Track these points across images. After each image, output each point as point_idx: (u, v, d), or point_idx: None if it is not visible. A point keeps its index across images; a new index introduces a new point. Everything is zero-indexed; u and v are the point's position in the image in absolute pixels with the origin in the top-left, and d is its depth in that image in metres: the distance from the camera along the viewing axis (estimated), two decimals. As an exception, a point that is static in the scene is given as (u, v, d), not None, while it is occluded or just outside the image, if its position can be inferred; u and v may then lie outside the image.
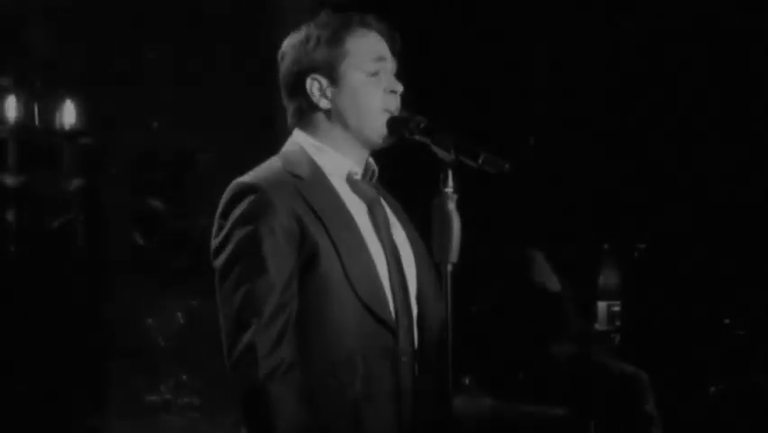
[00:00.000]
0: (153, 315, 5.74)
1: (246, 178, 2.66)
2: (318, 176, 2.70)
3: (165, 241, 5.72)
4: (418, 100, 2.82)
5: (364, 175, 2.77)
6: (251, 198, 2.60)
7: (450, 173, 2.60)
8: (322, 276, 2.61)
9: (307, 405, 2.57)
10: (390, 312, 2.66)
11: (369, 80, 2.72)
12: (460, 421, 4.24)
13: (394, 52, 2.79)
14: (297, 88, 2.75)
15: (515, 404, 4.33)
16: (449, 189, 2.60)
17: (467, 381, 4.55)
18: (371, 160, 2.79)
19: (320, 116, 2.74)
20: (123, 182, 5.78)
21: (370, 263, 2.66)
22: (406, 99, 2.77)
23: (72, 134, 5.65)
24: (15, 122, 5.55)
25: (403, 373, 2.66)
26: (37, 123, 5.65)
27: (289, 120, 2.79)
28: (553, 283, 4.35)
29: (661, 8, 5.39)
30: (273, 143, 2.81)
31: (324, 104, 2.73)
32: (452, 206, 2.60)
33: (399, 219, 2.80)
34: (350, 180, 2.74)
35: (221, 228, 2.64)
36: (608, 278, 4.83)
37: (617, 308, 4.79)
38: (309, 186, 2.66)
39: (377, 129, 2.72)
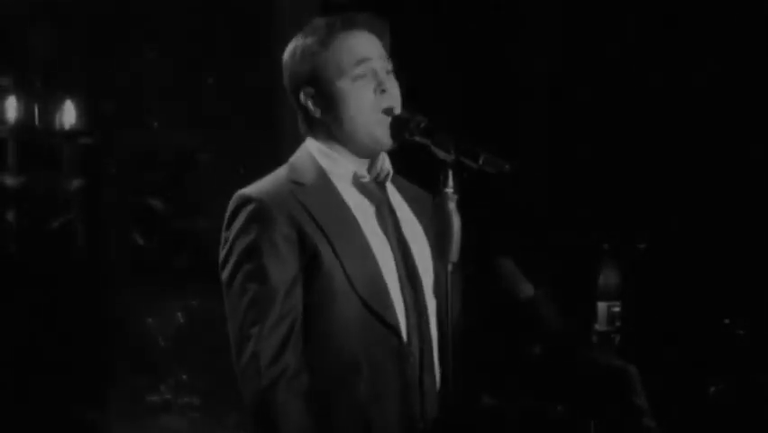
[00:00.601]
0: (153, 315, 5.73)
1: (246, 189, 2.71)
2: (321, 180, 2.72)
3: (165, 241, 5.72)
4: (417, 100, 2.82)
5: (376, 177, 2.77)
6: (250, 208, 2.65)
7: (450, 174, 2.61)
8: (324, 279, 2.63)
9: (314, 410, 2.58)
10: (395, 314, 2.67)
11: (355, 85, 2.73)
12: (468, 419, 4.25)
13: (385, 47, 2.78)
14: (296, 101, 2.79)
15: (514, 404, 4.33)
16: (449, 190, 2.61)
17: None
18: (387, 161, 2.79)
19: (319, 125, 2.77)
20: (123, 182, 5.78)
21: (373, 265, 2.67)
22: (405, 99, 2.77)
23: (72, 134, 5.66)
24: (15, 122, 5.55)
25: (410, 373, 2.66)
26: (37, 123, 5.65)
27: (300, 129, 2.83)
28: (524, 288, 4.37)
29: (662, 6, 5.39)
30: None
31: (318, 114, 2.75)
32: (452, 206, 2.61)
33: (419, 214, 2.80)
34: (356, 183, 2.74)
35: (225, 241, 2.68)
36: (608, 278, 4.82)
37: (617, 308, 4.78)
38: (309, 192, 2.69)
39: (374, 132, 2.72)
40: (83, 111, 5.68)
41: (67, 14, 5.68)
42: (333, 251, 2.63)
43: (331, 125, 2.74)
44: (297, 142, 2.83)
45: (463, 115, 5.28)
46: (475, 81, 5.50)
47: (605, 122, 5.48)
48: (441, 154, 2.61)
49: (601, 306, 4.74)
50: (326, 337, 2.62)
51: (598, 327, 4.73)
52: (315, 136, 2.78)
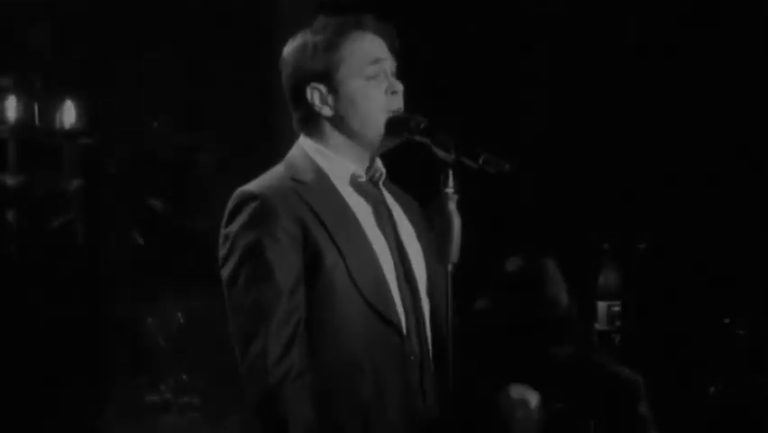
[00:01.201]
0: (153, 315, 5.73)
1: (248, 186, 2.68)
2: (322, 180, 2.71)
3: (165, 241, 5.72)
4: (419, 100, 2.82)
5: (371, 177, 2.77)
6: (253, 205, 2.63)
7: (450, 174, 2.61)
8: (327, 278, 2.62)
9: (318, 407, 2.58)
10: (397, 312, 2.67)
11: (367, 84, 2.73)
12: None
13: (392, 51, 2.79)
14: (299, 97, 2.75)
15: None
16: (450, 190, 2.61)
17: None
18: (379, 161, 2.79)
19: (323, 123, 2.75)
20: (123, 182, 5.78)
21: (375, 264, 2.67)
22: (406, 99, 2.77)
23: (72, 134, 5.66)
24: (15, 122, 5.55)
25: (411, 372, 2.66)
26: (37, 123, 5.65)
27: (294, 126, 2.80)
28: (563, 295, 4.37)
29: (663, 6, 5.40)
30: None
31: (325, 111, 2.74)
32: (452, 206, 2.61)
33: (410, 217, 2.80)
34: (354, 183, 2.74)
35: (226, 238, 2.66)
36: (608, 278, 4.82)
37: (617, 308, 4.79)
38: (312, 190, 2.68)
39: (378, 132, 2.72)
40: (83, 111, 5.68)
41: (67, 14, 5.68)
42: (338, 249, 2.63)
43: (338, 123, 2.73)
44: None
45: (463, 115, 5.28)
46: (476, 81, 5.50)
47: (605, 122, 5.48)
48: (441, 154, 2.61)
49: (601, 306, 4.75)
50: (328, 336, 2.62)
51: (598, 326, 4.74)
52: (312, 134, 2.76)
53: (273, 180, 2.69)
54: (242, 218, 2.63)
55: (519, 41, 5.55)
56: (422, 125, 2.68)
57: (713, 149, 5.35)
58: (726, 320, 4.98)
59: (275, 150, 2.80)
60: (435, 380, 2.70)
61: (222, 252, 2.67)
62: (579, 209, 5.43)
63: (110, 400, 5.64)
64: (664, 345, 5.09)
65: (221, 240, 2.68)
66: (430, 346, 2.73)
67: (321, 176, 2.71)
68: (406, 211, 2.82)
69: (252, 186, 2.68)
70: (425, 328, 2.72)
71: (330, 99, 2.73)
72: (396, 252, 2.71)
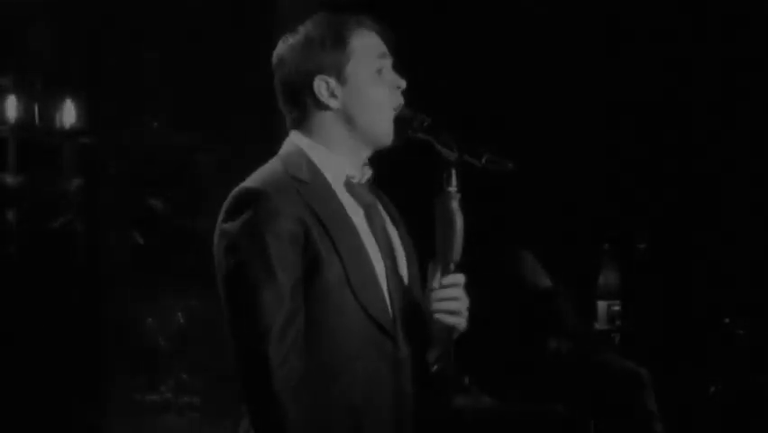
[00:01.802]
0: (153, 315, 5.73)
1: (250, 183, 2.63)
2: (320, 180, 2.68)
3: (165, 241, 5.72)
4: (419, 99, 2.81)
5: (362, 178, 2.76)
6: (257, 204, 2.58)
7: (453, 172, 2.60)
8: (323, 282, 2.59)
9: (311, 408, 2.57)
10: (389, 317, 2.65)
11: (375, 78, 2.71)
12: (462, 420, 4.25)
13: (390, 51, 2.79)
14: (303, 91, 2.71)
15: (514, 403, 4.33)
16: (452, 188, 2.61)
17: (467, 380, 4.55)
18: (367, 162, 2.78)
19: (325, 117, 2.72)
20: (123, 182, 5.77)
21: (371, 269, 2.65)
22: (407, 98, 2.77)
23: (72, 134, 5.65)
24: (15, 122, 5.55)
25: (403, 377, 2.65)
26: (37, 123, 5.65)
27: (289, 124, 2.76)
28: (544, 281, 4.37)
29: (664, 5, 5.40)
30: (273, 144, 2.80)
31: (333, 104, 2.71)
32: (455, 205, 2.61)
33: (393, 220, 2.80)
34: (348, 184, 2.73)
35: (224, 235, 2.61)
36: (608, 278, 4.82)
37: (617, 308, 4.79)
38: (311, 190, 2.64)
39: (386, 127, 2.71)
40: (83, 111, 5.68)
41: (66, 14, 5.68)
42: (337, 253, 2.60)
43: (344, 116, 2.71)
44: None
45: (464, 115, 5.28)
46: (477, 80, 5.50)
47: (605, 122, 5.48)
48: (444, 153, 2.61)
49: (601, 305, 4.75)
50: (322, 337, 2.60)
51: (598, 325, 4.74)
52: (309, 131, 2.73)
53: (274, 178, 2.64)
54: (244, 217, 2.58)
55: (519, 41, 5.55)
56: (425, 124, 2.67)
57: (713, 149, 5.36)
58: (726, 320, 4.97)
59: (275, 150, 2.78)
60: (427, 382, 2.70)
61: (219, 249, 2.61)
62: (579, 209, 5.43)
63: (110, 400, 5.63)
64: (664, 345, 5.09)
65: (217, 236, 2.62)
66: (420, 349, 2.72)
67: (318, 175, 2.69)
68: (390, 215, 2.81)
69: (254, 183, 2.63)
70: (415, 331, 2.70)
71: (338, 92, 2.71)
72: (387, 255, 2.70)
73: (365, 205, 2.72)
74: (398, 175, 2.90)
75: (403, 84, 2.74)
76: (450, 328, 2.64)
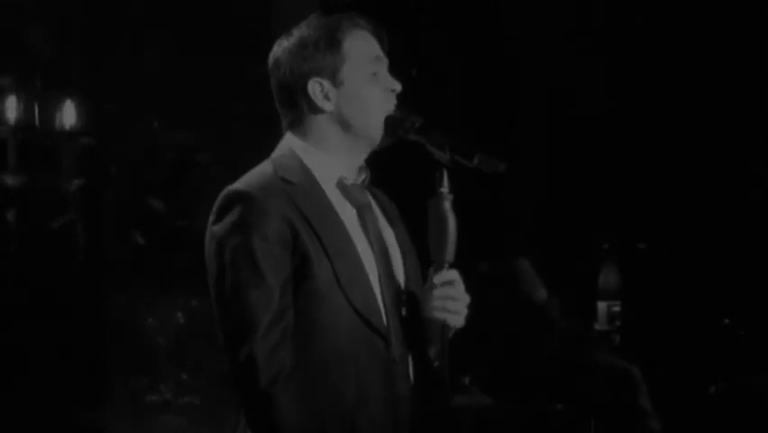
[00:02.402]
0: (153, 315, 5.74)
1: (237, 185, 2.63)
2: (309, 181, 2.68)
3: (165, 241, 5.72)
4: (414, 100, 2.81)
5: (356, 179, 2.76)
6: (244, 205, 2.58)
7: (445, 173, 2.60)
8: (313, 282, 2.59)
9: (303, 410, 2.57)
10: (381, 317, 2.65)
11: (369, 80, 2.71)
12: (460, 420, 4.25)
13: (384, 52, 2.78)
14: (297, 93, 2.71)
15: (514, 403, 4.34)
16: (444, 189, 2.61)
17: (467, 381, 4.55)
18: (363, 163, 2.77)
19: (320, 120, 2.72)
20: (123, 182, 5.78)
21: (361, 269, 2.65)
22: (402, 98, 2.77)
23: (72, 134, 5.66)
24: (15, 122, 5.55)
25: (396, 377, 2.65)
26: (37, 123, 5.65)
27: (284, 125, 2.76)
28: (540, 292, 4.38)
29: (663, 6, 5.40)
30: (273, 144, 2.80)
31: (327, 106, 2.71)
32: (447, 206, 2.61)
33: (390, 221, 2.80)
34: (341, 185, 2.73)
35: (213, 236, 2.61)
36: (608, 278, 4.83)
37: (617, 308, 4.79)
38: (300, 191, 2.64)
39: (379, 129, 2.71)
40: (83, 111, 5.68)
41: (66, 14, 5.68)
42: (326, 253, 2.60)
43: (338, 119, 2.71)
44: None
45: (463, 115, 5.29)
46: (476, 80, 5.50)
47: (605, 122, 5.49)
48: (436, 154, 2.60)
49: (601, 305, 4.75)
50: (314, 338, 2.60)
51: (598, 326, 4.74)
52: (304, 133, 2.72)
53: (263, 180, 2.64)
54: (231, 218, 2.58)
55: (520, 41, 5.56)
56: (416, 125, 2.66)
57: (713, 149, 5.36)
58: (726, 320, 4.98)
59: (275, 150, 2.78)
60: (420, 383, 2.70)
61: (209, 250, 2.62)
62: (579, 209, 5.43)
63: (110, 400, 5.64)
64: (664, 346, 5.09)
65: (207, 238, 2.63)
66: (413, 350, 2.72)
67: (309, 177, 2.68)
68: (387, 215, 2.80)
69: (242, 185, 2.63)
70: (409, 331, 2.70)
71: (332, 94, 2.70)
72: (380, 256, 2.69)
73: (358, 205, 2.72)
74: (390, 177, 2.89)
75: (398, 87, 2.72)
76: (446, 326, 2.63)
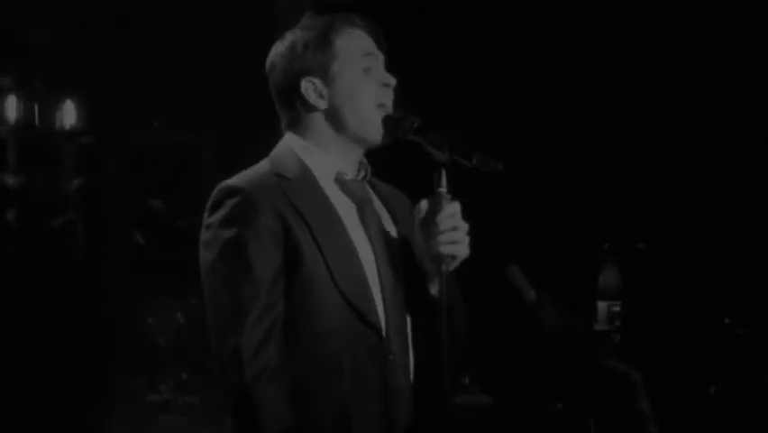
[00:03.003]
0: (153, 315, 5.74)
1: (231, 180, 2.67)
2: (306, 176, 2.70)
3: (165, 241, 5.72)
4: (414, 99, 2.81)
5: (356, 175, 2.77)
6: (236, 200, 2.61)
7: (444, 173, 2.61)
8: (306, 276, 2.61)
9: (295, 406, 2.57)
10: (376, 312, 2.65)
11: (362, 76, 2.72)
12: (460, 420, 4.25)
13: (381, 49, 2.78)
14: (292, 93, 2.74)
15: (514, 403, 4.34)
16: (443, 189, 2.61)
17: (467, 380, 4.55)
18: (364, 159, 2.79)
19: (315, 118, 2.74)
20: (123, 182, 5.78)
21: (356, 263, 2.66)
22: (400, 99, 2.77)
23: (72, 134, 5.66)
24: (15, 122, 5.55)
25: (390, 372, 2.65)
26: (37, 123, 5.66)
27: (283, 126, 2.78)
28: (529, 293, 4.39)
29: (662, 7, 5.40)
30: (273, 144, 2.81)
31: (320, 104, 2.73)
32: (446, 205, 2.61)
33: (394, 215, 2.79)
34: (339, 181, 2.73)
35: (207, 230, 2.64)
36: (608, 278, 4.83)
37: (616, 308, 4.79)
38: (295, 186, 2.66)
39: (374, 125, 2.71)
40: (83, 111, 5.68)
41: (67, 14, 5.68)
42: (318, 247, 2.61)
43: (332, 117, 2.72)
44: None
45: (463, 115, 5.29)
46: (475, 81, 5.50)
47: (605, 122, 5.49)
48: (434, 154, 2.61)
49: (601, 305, 4.75)
50: (307, 335, 2.61)
51: (598, 326, 4.75)
52: (301, 132, 2.74)
53: (257, 176, 2.68)
54: (223, 212, 2.61)
55: (520, 41, 5.55)
56: (415, 125, 2.67)
57: (713, 149, 5.36)
58: (726, 320, 4.98)
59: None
60: (417, 381, 2.70)
61: (202, 243, 2.65)
62: (579, 209, 5.43)
63: (110, 400, 5.64)
64: (664, 345, 5.09)
65: (202, 231, 2.66)
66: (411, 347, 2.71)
67: (305, 173, 2.70)
68: (395, 207, 2.80)
69: (236, 180, 2.67)
70: (407, 330, 2.70)
71: (325, 92, 2.72)
72: (380, 251, 2.69)
73: (357, 201, 2.73)
74: (389, 176, 2.89)
75: (392, 81, 2.74)
76: (450, 258, 2.62)
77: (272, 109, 2.81)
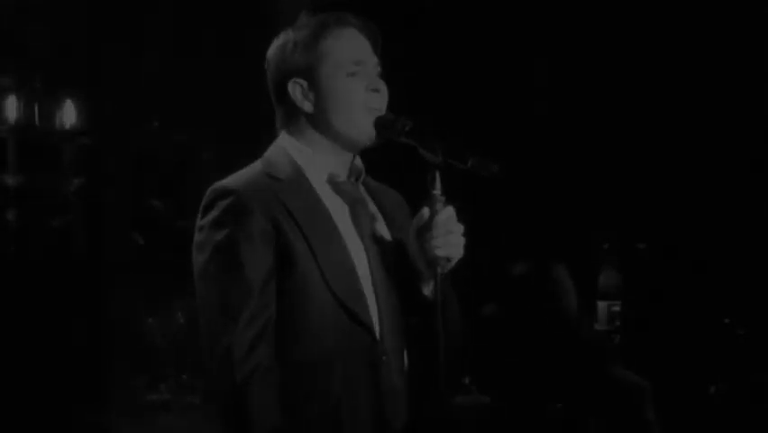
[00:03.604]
0: (153, 315, 5.74)
1: (223, 182, 2.67)
2: (298, 177, 2.70)
3: (165, 241, 5.72)
4: (416, 101, 2.81)
5: (349, 176, 2.76)
6: (227, 201, 2.61)
7: (437, 176, 2.60)
8: (298, 277, 2.61)
9: (286, 406, 2.57)
10: (368, 312, 2.65)
11: (348, 80, 2.71)
12: (459, 420, 4.25)
13: (376, 50, 2.78)
14: (282, 93, 2.74)
15: (514, 403, 4.34)
16: (437, 192, 2.60)
17: (467, 381, 4.55)
18: (358, 160, 2.78)
19: (304, 120, 2.73)
20: (123, 182, 5.78)
21: (348, 264, 2.66)
22: (398, 100, 2.76)
23: (72, 134, 5.66)
24: (15, 122, 5.55)
25: (383, 373, 2.65)
26: (37, 123, 5.65)
27: (277, 124, 2.79)
28: (574, 302, 4.39)
29: (663, 7, 5.40)
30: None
31: (306, 107, 2.72)
32: (440, 208, 2.61)
33: (389, 216, 2.79)
34: (332, 182, 2.73)
35: (199, 232, 2.65)
36: (608, 278, 4.83)
37: (617, 308, 4.80)
38: (286, 187, 2.66)
39: (361, 128, 2.70)
40: (83, 111, 5.68)
41: (66, 14, 5.68)
42: (309, 247, 2.62)
43: (318, 119, 2.72)
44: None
45: (461, 116, 5.29)
46: (475, 81, 5.50)
47: (605, 122, 5.49)
48: (427, 156, 2.60)
49: (601, 305, 4.76)
50: (300, 335, 2.61)
51: (598, 326, 4.75)
52: (293, 132, 2.74)
53: (248, 177, 2.68)
54: (214, 213, 2.62)
55: (519, 42, 5.56)
56: (407, 127, 2.66)
57: (713, 149, 5.36)
58: (726, 320, 4.98)
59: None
60: (411, 382, 2.69)
61: (194, 245, 2.66)
62: (579, 209, 5.43)
63: (110, 400, 5.63)
64: (664, 345, 5.09)
65: (195, 233, 2.67)
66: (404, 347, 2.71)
67: (297, 174, 2.70)
68: (389, 207, 2.80)
69: (227, 181, 2.67)
70: (401, 330, 2.70)
71: (311, 95, 2.72)
72: (373, 252, 2.70)
73: (350, 202, 2.73)
74: (384, 176, 2.89)
75: (380, 86, 2.72)
76: (445, 261, 2.62)
77: (272, 109, 2.81)
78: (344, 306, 2.62)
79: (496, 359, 4.40)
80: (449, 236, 2.61)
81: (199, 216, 2.67)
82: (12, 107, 5.55)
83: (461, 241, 2.63)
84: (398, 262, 2.71)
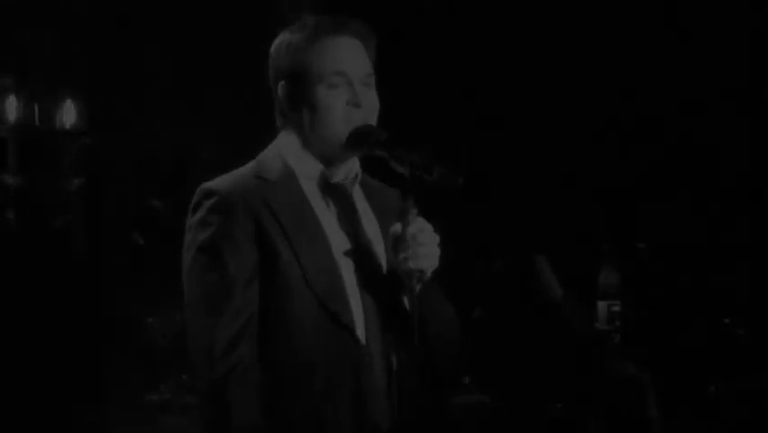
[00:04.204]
0: (153, 315, 5.73)
1: (211, 182, 2.70)
2: (286, 177, 2.71)
3: (165, 241, 5.72)
4: (416, 104, 2.80)
5: (344, 178, 2.76)
6: (211, 201, 2.64)
7: (409, 187, 2.61)
8: (281, 277, 2.63)
9: (266, 404, 2.59)
10: (351, 313, 2.66)
11: (329, 93, 2.70)
12: (459, 420, 4.26)
13: (370, 57, 2.77)
14: (275, 93, 2.76)
15: (514, 403, 4.34)
16: (409, 203, 2.61)
17: (467, 381, 4.56)
18: (355, 161, 2.78)
19: (292, 122, 2.75)
20: (123, 182, 5.78)
21: (332, 264, 2.67)
22: (394, 106, 2.76)
23: (72, 134, 5.66)
24: (15, 122, 5.55)
25: (365, 374, 2.66)
26: (37, 123, 5.66)
27: (277, 122, 2.81)
28: (556, 291, 4.39)
29: (663, 7, 5.40)
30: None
31: (289, 111, 2.74)
32: (411, 219, 2.61)
33: (383, 216, 2.78)
34: (322, 183, 2.74)
35: (187, 232, 2.69)
36: (608, 278, 4.83)
37: (616, 308, 4.80)
38: (273, 187, 2.68)
39: (335, 143, 2.70)
40: (83, 111, 5.68)
41: (67, 15, 5.68)
42: (291, 248, 2.63)
43: (303, 124, 2.73)
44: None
45: (462, 116, 5.29)
46: (475, 82, 5.50)
47: (605, 122, 5.49)
48: (398, 168, 2.61)
49: (601, 305, 4.76)
50: (281, 335, 2.62)
51: (598, 326, 4.75)
52: (288, 131, 2.76)
53: (236, 177, 2.71)
54: (200, 214, 2.65)
55: (517, 42, 5.56)
56: (382, 138, 2.66)
57: (712, 149, 5.36)
58: (726, 320, 4.98)
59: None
60: (395, 382, 2.70)
61: (184, 245, 2.70)
62: (578, 210, 5.43)
63: (110, 400, 5.64)
64: (664, 346, 5.09)
65: (185, 232, 2.71)
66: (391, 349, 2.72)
67: (287, 174, 2.71)
68: (386, 208, 2.79)
69: (214, 182, 2.70)
70: (385, 328, 2.71)
71: (293, 100, 2.73)
72: (360, 254, 2.70)
73: (340, 202, 2.74)
74: (384, 178, 2.89)
75: (363, 102, 2.71)
76: (420, 273, 2.63)
77: (272, 109, 2.82)
78: (325, 306, 2.64)
79: (494, 360, 4.40)
80: (419, 249, 2.61)
81: (188, 216, 2.70)
82: (12, 107, 5.55)
83: (435, 252, 2.64)
84: (389, 264, 2.73)
